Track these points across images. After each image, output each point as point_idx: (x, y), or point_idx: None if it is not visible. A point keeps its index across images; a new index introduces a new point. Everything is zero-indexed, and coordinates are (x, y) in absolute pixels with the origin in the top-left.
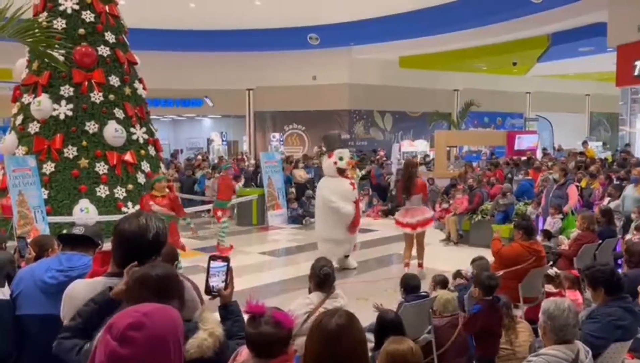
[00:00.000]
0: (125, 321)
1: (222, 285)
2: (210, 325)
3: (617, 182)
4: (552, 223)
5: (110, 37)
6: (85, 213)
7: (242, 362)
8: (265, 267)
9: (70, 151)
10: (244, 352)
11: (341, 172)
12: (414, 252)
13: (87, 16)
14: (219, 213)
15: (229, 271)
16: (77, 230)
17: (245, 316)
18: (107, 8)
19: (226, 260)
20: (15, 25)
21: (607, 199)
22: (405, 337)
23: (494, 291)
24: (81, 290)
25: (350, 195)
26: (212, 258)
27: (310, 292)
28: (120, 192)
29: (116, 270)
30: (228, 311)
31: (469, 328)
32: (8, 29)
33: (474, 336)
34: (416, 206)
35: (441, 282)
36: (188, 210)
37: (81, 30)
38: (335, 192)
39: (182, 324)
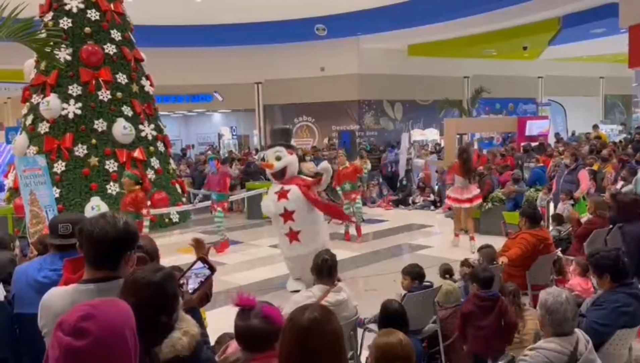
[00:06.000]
0: (74, 315)
1: (194, 287)
2: (185, 323)
3: (632, 165)
4: (562, 208)
5: (116, 35)
6: (96, 211)
7: (231, 354)
8: (275, 260)
9: (80, 150)
10: (233, 344)
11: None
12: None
13: (93, 15)
14: (215, 205)
15: (207, 280)
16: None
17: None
18: (112, 6)
19: (212, 269)
20: (12, 25)
21: (620, 183)
22: (395, 330)
23: (490, 284)
24: (57, 299)
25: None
26: (202, 261)
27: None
28: None
29: (92, 275)
30: (192, 314)
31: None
32: (4, 29)
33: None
34: (464, 186)
35: (446, 271)
36: (201, 205)
37: (87, 29)
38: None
39: (133, 316)
